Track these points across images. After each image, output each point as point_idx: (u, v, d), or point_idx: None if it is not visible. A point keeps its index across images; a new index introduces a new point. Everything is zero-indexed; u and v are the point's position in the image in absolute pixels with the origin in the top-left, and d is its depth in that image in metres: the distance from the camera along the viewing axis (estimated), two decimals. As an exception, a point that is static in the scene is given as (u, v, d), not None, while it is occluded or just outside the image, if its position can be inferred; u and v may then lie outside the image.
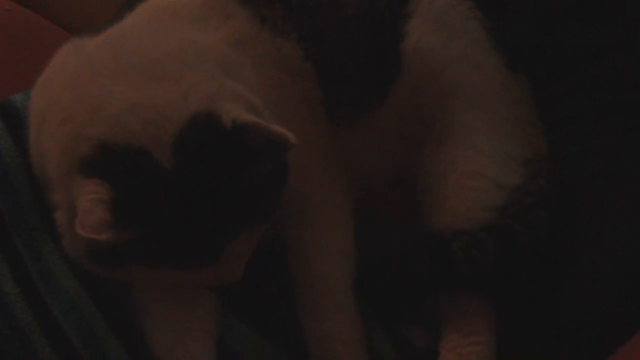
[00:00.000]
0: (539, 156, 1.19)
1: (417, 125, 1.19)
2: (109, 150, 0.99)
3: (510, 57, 1.22)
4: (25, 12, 1.55)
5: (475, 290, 1.14)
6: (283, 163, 1.05)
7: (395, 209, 1.21)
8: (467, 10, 1.22)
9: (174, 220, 0.99)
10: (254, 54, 1.13)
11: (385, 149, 1.19)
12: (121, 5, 1.19)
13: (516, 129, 1.20)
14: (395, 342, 1.17)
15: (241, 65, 1.11)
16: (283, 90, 1.14)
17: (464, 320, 1.13)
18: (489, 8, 1.23)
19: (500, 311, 1.14)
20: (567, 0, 1.26)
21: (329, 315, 1.13)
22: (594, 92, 1.23)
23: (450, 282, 1.13)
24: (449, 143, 1.17)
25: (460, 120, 1.18)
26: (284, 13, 1.16)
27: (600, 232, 1.15)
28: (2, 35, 1.49)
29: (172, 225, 0.99)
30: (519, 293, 1.14)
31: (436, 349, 1.14)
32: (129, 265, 1.02)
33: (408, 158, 1.19)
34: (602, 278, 1.13)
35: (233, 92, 1.04)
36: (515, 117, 1.20)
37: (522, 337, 1.14)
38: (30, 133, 1.12)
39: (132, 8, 1.16)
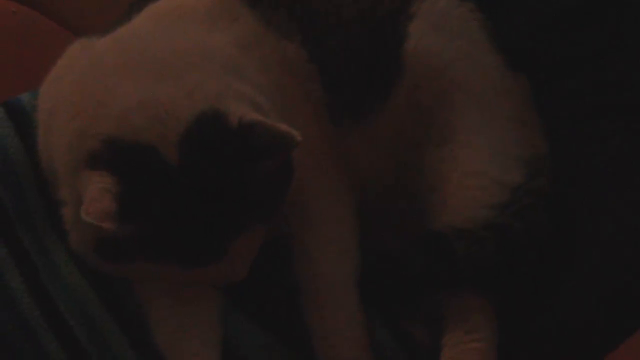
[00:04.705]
0: (539, 155, 1.19)
1: (418, 125, 1.19)
2: (116, 146, 1.01)
3: (511, 57, 1.22)
4: (31, 14, 1.55)
5: (476, 288, 1.14)
6: (288, 161, 1.06)
7: (397, 209, 1.21)
8: (468, 12, 1.22)
9: (178, 217, 1.00)
10: (260, 55, 1.14)
11: (387, 149, 1.20)
12: (128, 7, 1.20)
13: (517, 128, 1.20)
14: (398, 339, 1.17)
15: (247, 67, 1.11)
16: (288, 92, 1.15)
17: (465, 317, 1.13)
18: (490, 10, 1.24)
19: (501, 308, 1.15)
20: (568, 3, 1.27)
21: (333, 313, 1.13)
22: (594, 94, 1.23)
23: (452, 279, 1.14)
24: (450, 143, 1.17)
25: (460, 120, 1.18)
26: (288, 16, 1.17)
27: (600, 232, 1.15)
28: (8, 37, 1.50)
29: (176, 222, 1.00)
30: (519, 290, 1.14)
31: (438, 345, 1.14)
32: (134, 261, 1.03)
33: (410, 158, 1.19)
34: (602, 275, 1.13)
35: (239, 92, 1.05)
36: (515, 117, 1.20)
37: (523, 334, 1.15)
38: (39, 130, 1.13)
39: (139, 9, 1.17)
